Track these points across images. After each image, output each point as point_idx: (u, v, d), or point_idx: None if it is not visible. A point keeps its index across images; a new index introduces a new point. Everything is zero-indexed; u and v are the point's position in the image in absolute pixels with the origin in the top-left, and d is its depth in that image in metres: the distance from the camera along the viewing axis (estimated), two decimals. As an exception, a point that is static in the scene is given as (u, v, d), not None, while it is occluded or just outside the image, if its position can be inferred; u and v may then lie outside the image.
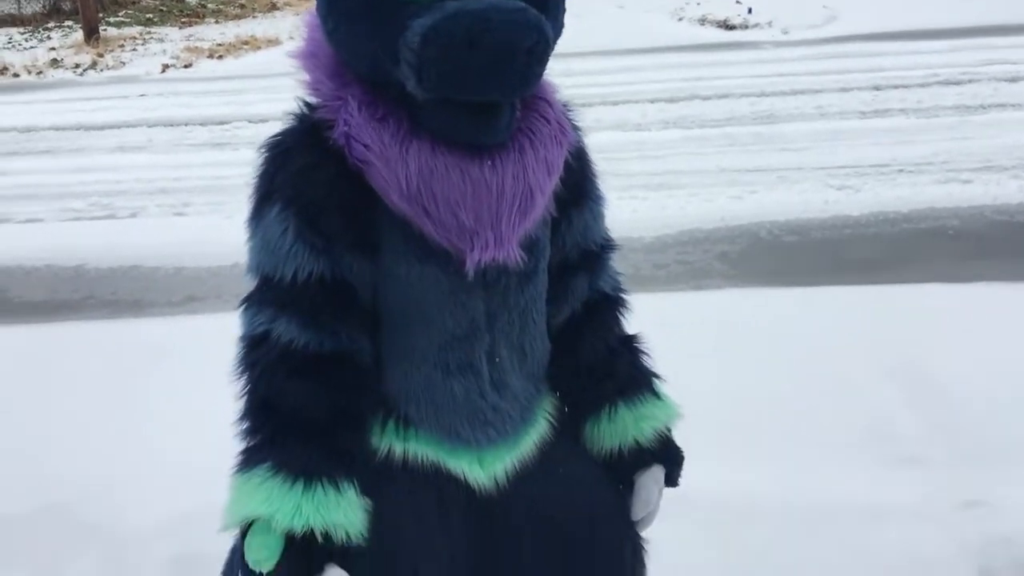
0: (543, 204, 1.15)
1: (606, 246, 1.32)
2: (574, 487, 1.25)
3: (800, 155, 5.19)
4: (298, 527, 1.03)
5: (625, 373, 1.31)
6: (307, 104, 1.11)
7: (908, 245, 3.97)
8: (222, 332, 3.63)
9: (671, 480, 1.31)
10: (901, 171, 4.84)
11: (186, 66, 9.26)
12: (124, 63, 9.51)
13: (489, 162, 1.07)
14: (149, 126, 6.74)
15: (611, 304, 1.34)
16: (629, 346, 1.34)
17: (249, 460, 1.09)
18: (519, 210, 1.10)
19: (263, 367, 1.10)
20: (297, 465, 1.06)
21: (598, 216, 1.29)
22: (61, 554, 2.19)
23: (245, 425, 1.12)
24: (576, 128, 1.23)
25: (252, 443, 1.10)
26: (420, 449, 1.18)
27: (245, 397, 1.12)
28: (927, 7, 10.02)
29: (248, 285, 1.13)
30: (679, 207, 4.48)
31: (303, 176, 1.07)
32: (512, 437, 1.23)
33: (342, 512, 1.06)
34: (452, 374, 1.16)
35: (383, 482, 1.15)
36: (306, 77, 1.12)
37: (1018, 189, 4.48)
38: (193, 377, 2.99)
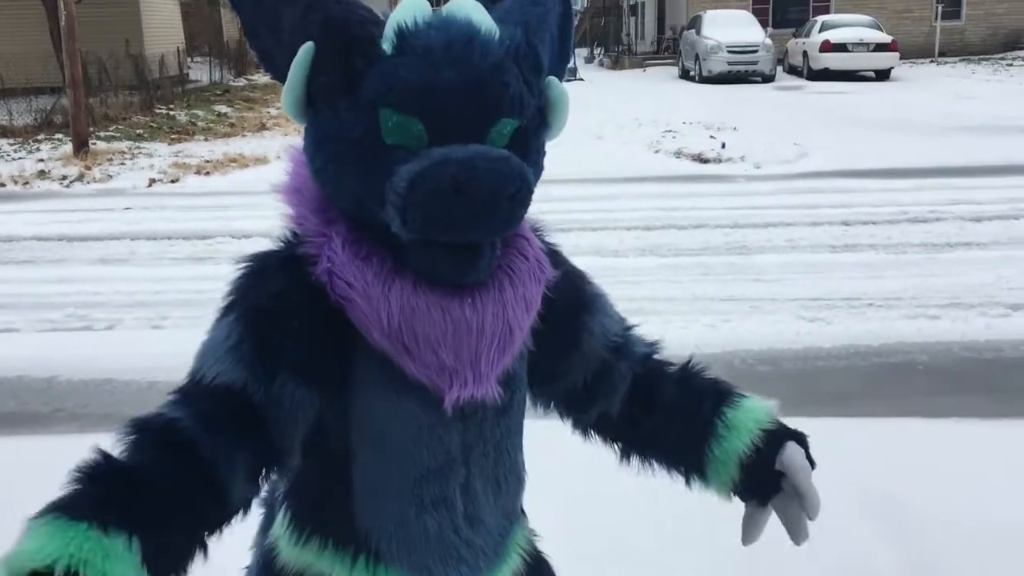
0: (521, 340, 1.16)
1: (627, 328, 1.36)
2: None
3: (773, 286, 5.30)
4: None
5: (709, 387, 1.34)
6: (293, 235, 1.13)
7: (879, 379, 4.02)
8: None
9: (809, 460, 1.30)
10: (871, 305, 4.94)
11: (173, 181, 9.41)
12: (111, 176, 9.65)
13: (469, 300, 1.08)
14: (132, 239, 6.80)
15: (654, 357, 1.37)
16: (691, 370, 1.37)
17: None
18: (498, 347, 1.11)
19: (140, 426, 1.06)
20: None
21: (609, 309, 1.34)
22: None
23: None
24: (556, 253, 1.26)
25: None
26: None
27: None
28: (893, 147, 10.44)
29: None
30: (654, 334, 4.52)
31: (272, 298, 1.08)
32: (485, 574, 1.21)
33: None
34: (426, 509, 1.15)
35: None
36: (290, 211, 1.14)
37: (985, 327, 4.57)
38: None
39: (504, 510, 1.24)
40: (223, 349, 1.06)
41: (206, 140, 12.52)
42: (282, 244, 1.14)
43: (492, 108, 1.05)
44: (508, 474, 1.23)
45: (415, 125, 1.03)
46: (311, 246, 1.09)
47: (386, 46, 1.04)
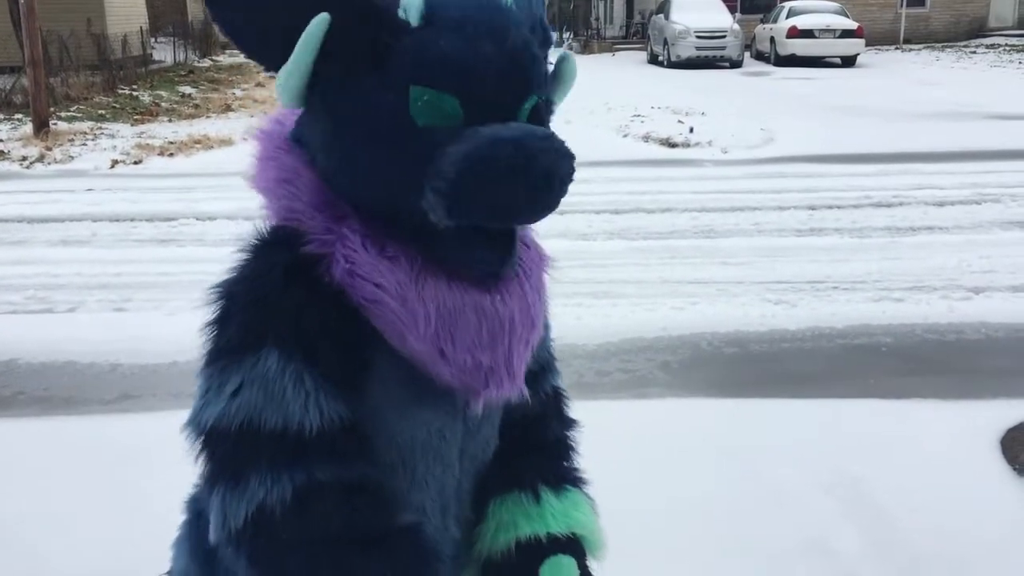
0: (540, 332, 1.11)
1: (549, 340, 1.28)
2: None
3: (739, 269, 5.33)
4: None
5: (564, 466, 1.24)
6: (286, 234, 1.02)
7: (844, 360, 4.06)
8: (155, 432, 3.54)
9: None
10: (836, 288, 4.99)
11: (136, 162, 9.27)
12: (73, 157, 9.49)
13: (498, 296, 1.02)
14: (94, 220, 6.69)
15: (561, 397, 1.29)
16: (567, 444, 1.27)
17: None
18: (525, 342, 1.06)
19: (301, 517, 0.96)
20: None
21: (549, 335, 1.27)
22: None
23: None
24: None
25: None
26: None
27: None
28: (858, 132, 10.53)
29: (221, 442, 0.98)
30: (622, 316, 4.54)
31: (299, 316, 0.97)
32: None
33: None
34: (425, 514, 1.10)
35: None
36: (278, 205, 1.04)
37: (947, 309, 4.63)
38: (123, 478, 2.91)
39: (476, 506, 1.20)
40: (300, 393, 0.96)
41: (170, 121, 12.33)
42: (271, 244, 1.03)
43: (526, 83, 0.99)
44: (486, 472, 1.19)
45: (450, 103, 0.94)
46: (318, 244, 0.99)
47: (411, 17, 0.96)
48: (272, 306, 0.97)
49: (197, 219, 6.60)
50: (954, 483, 2.92)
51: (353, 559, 0.96)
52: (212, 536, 0.98)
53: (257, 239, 1.05)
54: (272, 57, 0.99)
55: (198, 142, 10.29)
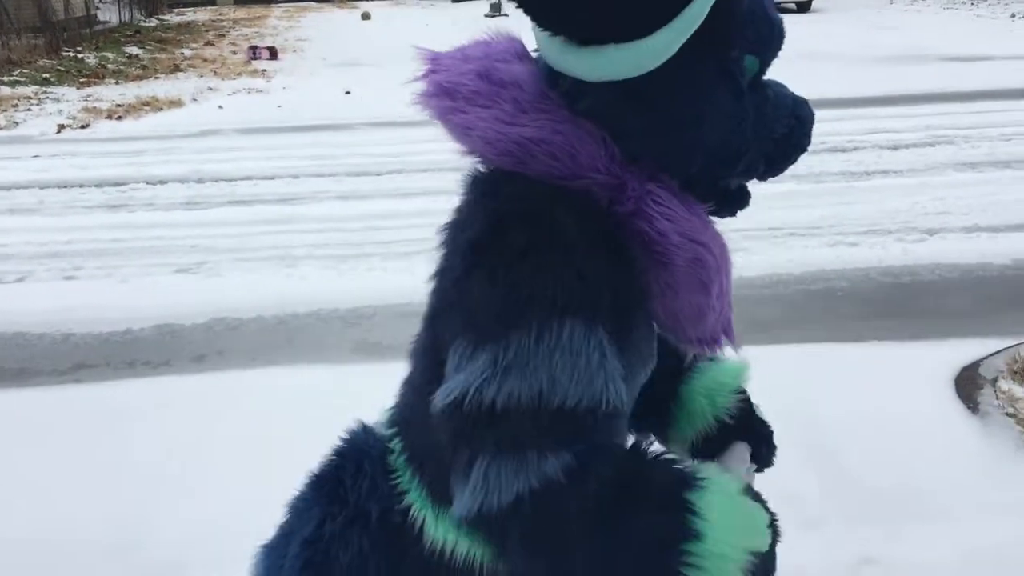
0: None
1: None
2: None
3: (698, 218, 5.33)
4: None
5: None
6: (565, 193, 0.91)
7: (801, 306, 4.09)
8: (109, 402, 3.50)
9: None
10: (792, 234, 5.02)
11: (83, 127, 9.04)
12: (17, 123, 9.23)
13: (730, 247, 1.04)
14: (41, 187, 6.52)
15: None
16: None
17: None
18: None
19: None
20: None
21: None
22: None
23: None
24: None
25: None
26: None
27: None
28: (813, 78, 10.52)
29: (505, 418, 0.86)
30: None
31: (601, 284, 0.89)
32: None
33: None
34: None
35: None
36: (556, 164, 0.92)
37: (902, 252, 4.68)
38: (79, 451, 2.87)
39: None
40: (606, 367, 0.88)
41: (117, 83, 12.02)
42: (552, 205, 0.90)
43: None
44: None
45: (754, 64, 0.96)
46: (632, 202, 0.92)
47: None
48: (575, 274, 0.87)
49: (147, 183, 6.46)
50: (910, 423, 2.97)
51: (639, 520, 0.87)
52: (461, 512, 0.88)
53: (532, 199, 0.91)
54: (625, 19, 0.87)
55: (147, 104, 10.05)
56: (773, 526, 0.95)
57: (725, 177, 1.00)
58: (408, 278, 4.37)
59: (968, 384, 3.26)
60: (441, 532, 1.05)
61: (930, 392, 3.19)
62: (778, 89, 1.00)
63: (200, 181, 6.49)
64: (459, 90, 0.96)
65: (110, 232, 5.32)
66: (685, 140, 0.93)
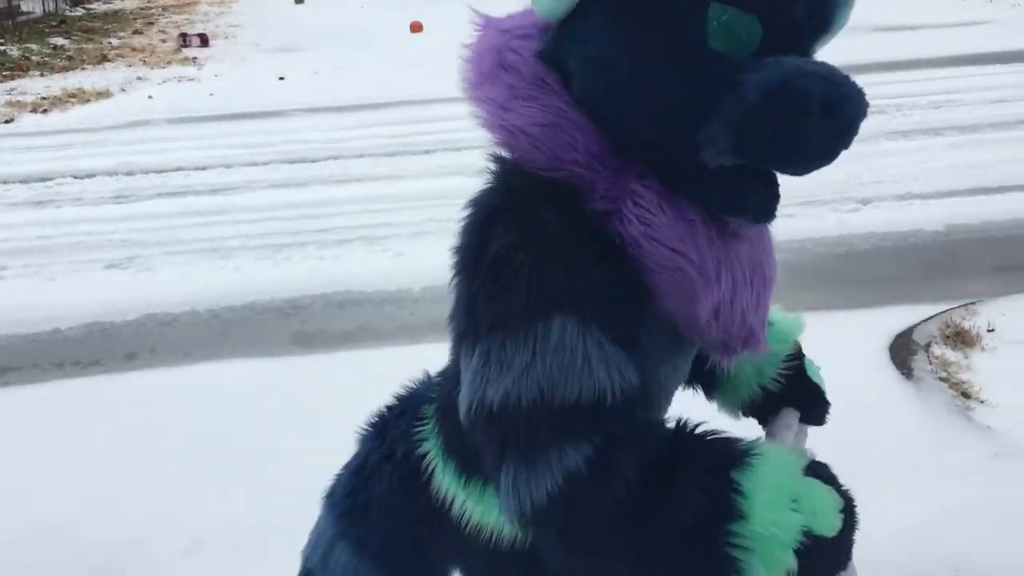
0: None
1: None
2: None
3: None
4: None
5: None
6: (554, 186, 0.88)
7: (739, 279, 4.12)
8: (38, 404, 3.39)
9: None
10: (731, 208, 5.05)
11: (7, 121, 8.75)
12: (-64, 119, 8.91)
13: (765, 250, 0.98)
14: (-37, 185, 6.30)
15: None
16: None
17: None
18: (772, 292, 1.01)
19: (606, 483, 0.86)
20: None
21: None
22: None
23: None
24: None
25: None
26: None
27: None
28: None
29: (511, 419, 0.86)
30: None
31: (592, 279, 0.86)
32: None
33: None
34: None
35: None
36: (540, 155, 0.89)
37: (836, 222, 4.74)
38: (6, 457, 2.77)
39: None
40: (593, 360, 0.85)
41: (42, 75, 11.65)
42: (541, 198, 0.88)
43: (835, 16, 0.87)
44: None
45: (749, 27, 0.82)
46: (605, 201, 0.88)
47: None
48: (561, 270, 0.85)
49: (75, 177, 6.26)
50: (847, 392, 2.96)
51: (669, 501, 0.85)
52: (507, 516, 0.88)
53: (517, 193, 0.90)
54: None
55: (73, 96, 9.76)
56: (848, 510, 0.88)
57: (687, 148, 0.85)
58: (343, 265, 4.30)
59: (902, 350, 3.31)
60: (445, 483, 1.11)
61: (866, 360, 3.23)
62: (802, 65, 0.82)
63: (130, 174, 6.31)
64: (480, 67, 0.95)
65: (36, 229, 5.15)
66: (619, 91, 0.87)
